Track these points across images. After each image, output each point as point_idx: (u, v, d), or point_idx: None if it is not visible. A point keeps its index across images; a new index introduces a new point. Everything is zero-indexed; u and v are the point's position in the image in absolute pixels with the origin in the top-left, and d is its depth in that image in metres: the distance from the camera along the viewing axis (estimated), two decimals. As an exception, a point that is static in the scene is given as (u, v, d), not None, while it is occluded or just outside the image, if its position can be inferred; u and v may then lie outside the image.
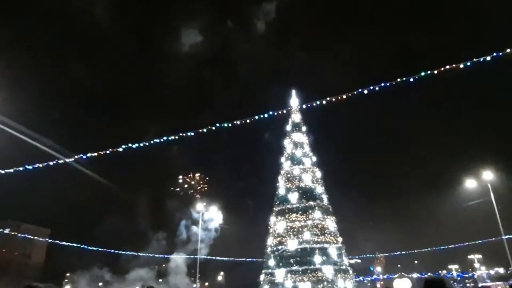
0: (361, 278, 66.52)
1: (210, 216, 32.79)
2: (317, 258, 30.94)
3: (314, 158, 37.11)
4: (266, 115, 17.95)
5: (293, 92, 40.69)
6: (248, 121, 17.33)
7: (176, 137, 18.38)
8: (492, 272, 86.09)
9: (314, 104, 17.83)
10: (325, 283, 29.94)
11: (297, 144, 37.50)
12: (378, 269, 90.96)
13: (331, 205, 35.06)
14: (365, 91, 16.91)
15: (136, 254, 32.24)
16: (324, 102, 17.46)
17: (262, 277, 33.33)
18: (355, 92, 16.89)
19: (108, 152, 18.71)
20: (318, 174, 36.30)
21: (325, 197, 35.10)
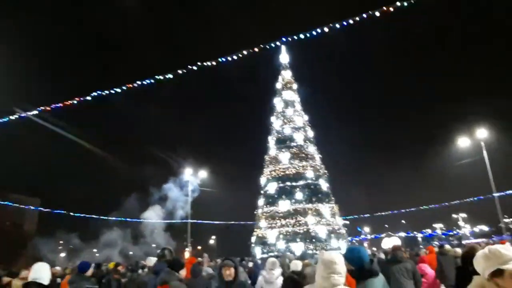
0: (349, 238, 67.26)
1: (192, 177, 30.78)
2: (310, 219, 30.03)
3: (306, 117, 35.46)
4: (256, 49, 15.53)
5: (283, 48, 38.26)
6: (235, 57, 14.93)
7: (152, 81, 15.98)
8: (476, 229, 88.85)
9: (303, 37, 15.48)
10: (318, 243, 29.18)
11: (287, 102, 35.60)
12: (366, 229, 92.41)
13: (323, 164, 33.87)
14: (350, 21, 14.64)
15: (119, 219, 30.35)
16: (314, 33, 15.14)
17: (253, 238, 32.46)
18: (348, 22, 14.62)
19: (75, 102, 16.17)
20: (310, 133, 34.80)
21: (317, 157, 33.81)
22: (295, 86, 36.52)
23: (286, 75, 36.97)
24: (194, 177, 31.15)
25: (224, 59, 14.92)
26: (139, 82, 16.07)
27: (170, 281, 4.17)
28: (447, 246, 13.19)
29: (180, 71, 15.65)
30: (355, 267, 3.51)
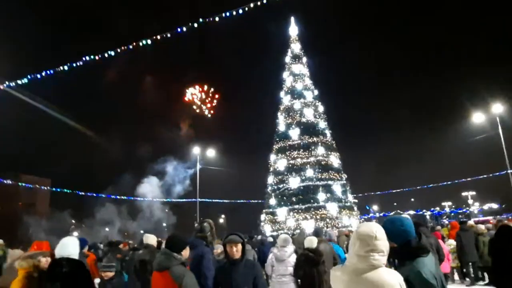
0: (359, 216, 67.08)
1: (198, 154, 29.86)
2: (321, 196, 29.28)
3: (316, 92, 34.15)
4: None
5: (292, 19, 36.65)
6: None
7: (149, 42, 14.84)
8: (485, 207, 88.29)
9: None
10: (329, 220, 28.52)
11: (297, 76, 34.25)
12: (375, 207, 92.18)
13: (334, 140, 32.80)
14: None
15: (126, 197, 29.50)
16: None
17: (263, 216, 31.95)
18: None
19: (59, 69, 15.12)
20: (321, 108, 33.59)
21: (328, 133, 32.71)
22: (304, 59, 35.08)
23: (295, 48, 35.47)
24: (199, 154, 30.42)
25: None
26: (134, 44, 15.00)
27: (171, 266, 3.27)
28: (470, 222, 12.38)
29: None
30: (398, 244, 2.56)
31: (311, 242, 6.66)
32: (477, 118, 27.48)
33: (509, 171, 27.17)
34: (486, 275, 10.79)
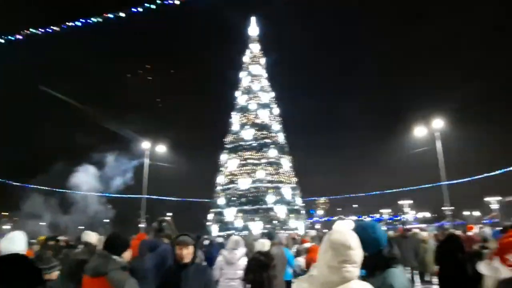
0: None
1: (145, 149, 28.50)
2: (270, 198, 29.36)
3: (273, 94, 34.31)
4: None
5: (253, 19, 36.56)
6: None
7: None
8: (419, 216, 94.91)
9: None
10: (277, 222, 28.68)
11: (254, 77, 34.16)
12: (320, 212, 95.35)
13: (287, 144, 33.15)
14: None
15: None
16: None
17: (210, 216, 31.38)
18: None
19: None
20: (276, 110, 33.77)
21: (281, 135, 32.97)
22: (263, 60, 35.11)
23: (254, 48, 35.40)
24: (149, 148, 29.10)
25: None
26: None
27: (109, 271, 2.77)
28: (416, 230, 12.95)
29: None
30: (368, 253, 2.29)
31: (263, 245, 6.40)
32: (419, 132, 29.02)
33: (443, 183, 29.33)
34: (417, 279, 11.32)
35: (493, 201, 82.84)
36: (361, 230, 2.39)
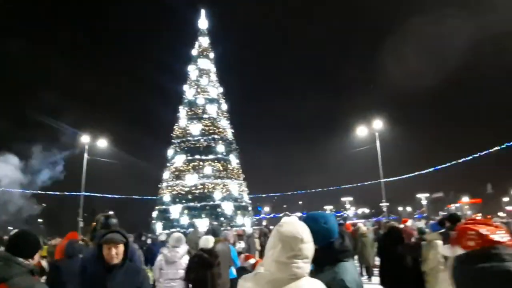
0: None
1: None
2: (217, 194, 28.93)
3: (221, 89, 33.82)
4: None
5: (203, 12, 35.76)
6: None
7: None
8: (359, 211, 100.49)
9: None
10: (223, 219, 28.33)
11: (202, 71, 33.41)
12: (266, 208, 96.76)
13: (235, 140, 32.89)
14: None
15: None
16: None
17: (155, 214, 30.20)
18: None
19: None
20: (224, 106, 33.34)
21: (229, 131, 32.62)
22: (212, 54, 34.45)
23: (204, 42, 34.61)
24: (84, 142, 27.27)
25: None
26: None
27: (11, 277, 2.23)
28: (360, 225, 13.40)
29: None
30: (319, 245, 2.05)
31: (207, 241, 6.05)
32: (360, 131, 30.05)
33: (381, 180, 30.87)
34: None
35: (423, 197, 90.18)
36: (312, 222, 2.16)
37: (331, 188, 52.62)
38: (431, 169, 34.79)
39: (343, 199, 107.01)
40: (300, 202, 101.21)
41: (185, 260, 6.04)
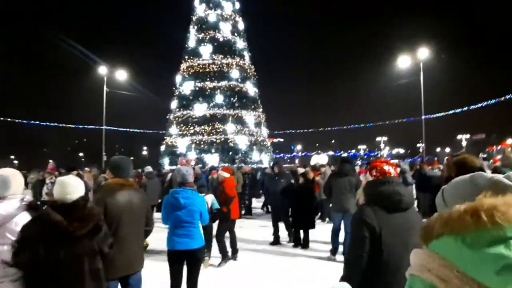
0: (282, 154, 67.66)
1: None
2: (230, 127, 25.17)
3: (238, 4, 28.38)
4: None
5: None
6: None
7: None
8: (394, 152, 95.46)
9: None
10: (236, 155, 24.85)
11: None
12: (299, 147, 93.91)
13: (253, 65, 28.16)
14: None
15: None
16: None
17: (162, 148, 27.24)
18: None
19: None
20: (241, 25, 28.16)
21: (247, 55, 27.85)
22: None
23: None
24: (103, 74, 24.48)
25: None
26: None
27: None
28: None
29: None
30: None
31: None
32: (403, 62, 25.69)
33: (422, 117, 26.57)
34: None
35: (463, 139, 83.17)
36: None
37: (365, 125, 47.73)
38: (473, 106, 31.32)
39: (378, 138, 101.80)
40: (333, 141, 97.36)
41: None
